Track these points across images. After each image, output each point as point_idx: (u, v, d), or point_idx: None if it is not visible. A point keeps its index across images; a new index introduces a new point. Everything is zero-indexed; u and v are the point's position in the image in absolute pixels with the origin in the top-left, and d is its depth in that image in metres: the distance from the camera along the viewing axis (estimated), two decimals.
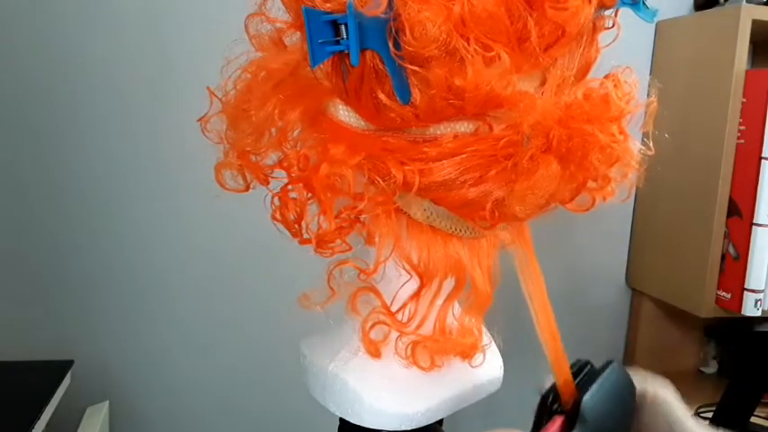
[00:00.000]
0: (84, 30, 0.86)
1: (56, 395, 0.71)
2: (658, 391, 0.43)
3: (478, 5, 0.33)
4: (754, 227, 0.92)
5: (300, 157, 0.40)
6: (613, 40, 0.40)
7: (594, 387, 0.37)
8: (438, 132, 0.38)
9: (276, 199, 0.42)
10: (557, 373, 0.38)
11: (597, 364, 0.41)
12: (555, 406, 0.38)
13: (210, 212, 0.92)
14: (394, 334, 0.44)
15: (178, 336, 0.96)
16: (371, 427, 0.44)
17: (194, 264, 0.95)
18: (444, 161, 0.37)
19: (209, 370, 0.99)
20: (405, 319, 0.43)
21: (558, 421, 0.36)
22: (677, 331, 1.16)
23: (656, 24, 1.09)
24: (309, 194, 0.40)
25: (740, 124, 0.92)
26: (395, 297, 0.43)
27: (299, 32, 0.41)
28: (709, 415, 0.96)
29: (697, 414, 0.98)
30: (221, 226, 0.94)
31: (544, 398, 0.38)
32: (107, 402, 0.84)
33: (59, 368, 0.76)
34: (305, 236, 0.41)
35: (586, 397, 0.36)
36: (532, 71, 0.37)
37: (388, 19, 0.33)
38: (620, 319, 1.18)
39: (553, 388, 0.39)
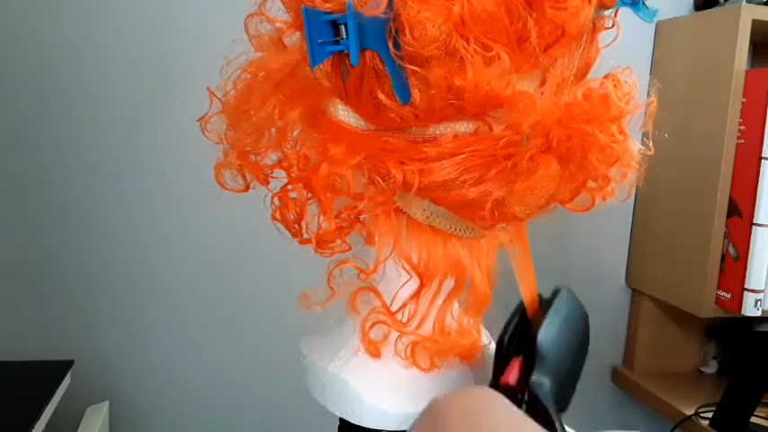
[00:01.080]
0: (84, 30, 0.86)
1: (56, 395, 0.71)
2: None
3: (478, 5, 0.33)
4: (754, 227, 0.92)
5: (300, 157, 0.40)
6: (613, 41, 0.40)
7: (546, 321, 0.37)
8: (438, 132, 0.38)
9: (276, 199, 0.42)
10: None
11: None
12: (512, 346, 0.37)
13: (210, 213, 0.92)
14: (394, 334, 0.44)
15: (178, 336, 0.96)
16: (371, 427, 0.44)
17: (194, 265, 0.95)
18: (444, 161, 0.37)
19: (210, 370, 0.99)
20: (404, 320, 0.43)
21: (515, 364, 0.36)
22: (677, 331, 1.16)
23: (656, 24, 1.09)
24: (309, 194, 0.40)
25: (740, 124, 0.92)
26: (395, 297, 0.43)
27: (298, 32, 0.41)
28: (710, 415, 0.96)
29: (697, 414, 0.98)
30: (221, 227, 0.94)
31: (500, 342, 0.38)
32: (107, 402, 0.84)
33: (59, 368, 0.76)
34: (305, 236, 0.41)
35: (540, 334, 0.36)
36: (532, 71, 0.37)
37: (387, 19, 0.33)
38: (620, 319, 1.18)
39: (507, 330, 0.38)
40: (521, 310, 0.39)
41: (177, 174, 0.91)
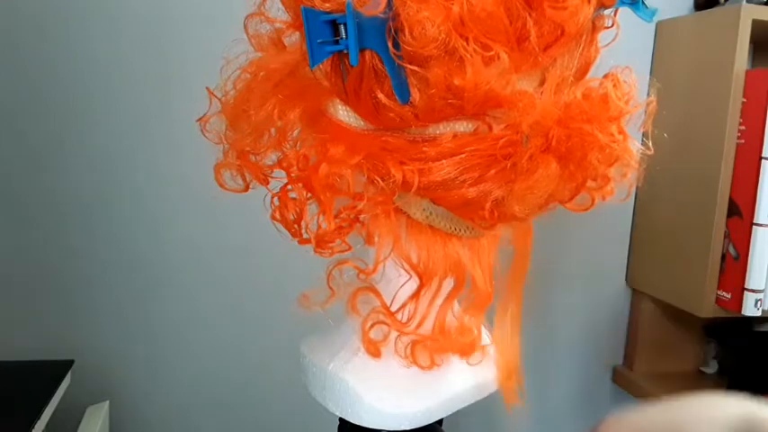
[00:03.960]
0: (82, 30, 0.86)
1: (56, 395, 0.71)
2: None
3: (477, 5, 0.33)
4: (754, 227, 0.92)
5: (300, 156, 0.40)
6: (613, 40, 0.40)
7: None
8: (437, 132, 0.38)
9: (276, 199, 0.42)
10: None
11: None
12: None
13: (210, 214, 0.92)
14: (394, 334, 0.44)
15: (178, 336, 0.96)
16: (371, 426, 0.44)
17: (193, 265, 0.95)
18: (444, 161, 0.37)
19: (210, 370, 0.99)
20: (404, 319, 0.43)
21: None
22: (677, 331, 1.16)
23: (656, 24, 1.09)
24: (309, 194, 0.40)
25: (740, 124, 0.92)
26: (394, 297, 0.43)
27: (298, 32, 0.41)
28: None
29: None
30: (220, 227, 0.94)
31: None
32: (107, 402, 0.84)
33: (59, 368, 0.76)
34: (304, 236, 0.41)
35: None
36: (532, 71, 0.37)
37: (387, 19, 0.33)
38: (620, 319, 1.18)
39: None
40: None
41: (178, 174, 0.91)
